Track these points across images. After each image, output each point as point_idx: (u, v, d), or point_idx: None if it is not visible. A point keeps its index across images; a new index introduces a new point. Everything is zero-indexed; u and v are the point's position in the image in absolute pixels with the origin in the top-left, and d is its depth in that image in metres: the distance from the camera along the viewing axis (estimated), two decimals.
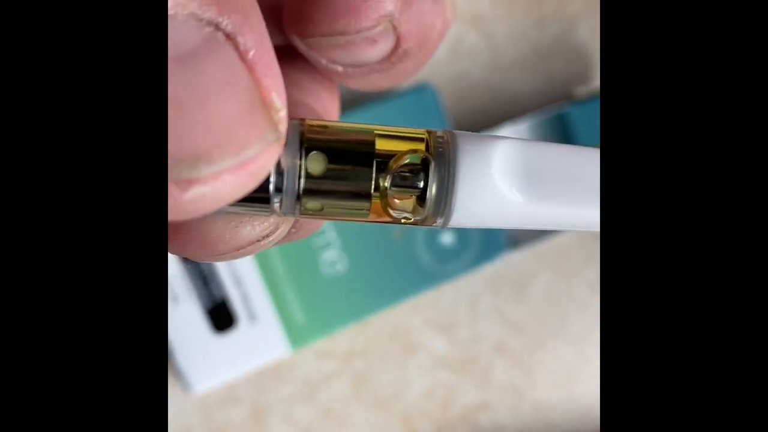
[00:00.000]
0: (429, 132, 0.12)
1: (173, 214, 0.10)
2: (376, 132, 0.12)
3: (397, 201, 0.12)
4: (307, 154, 0.11)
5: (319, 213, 0.12)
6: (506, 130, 0.29)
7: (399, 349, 0.31)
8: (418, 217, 0.12)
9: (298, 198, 0.11)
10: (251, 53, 0.09)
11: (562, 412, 0.33)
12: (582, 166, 0.11)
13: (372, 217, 0.12)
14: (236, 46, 0.09)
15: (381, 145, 0.11)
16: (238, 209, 0.11)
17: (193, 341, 0.26)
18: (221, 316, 0.26)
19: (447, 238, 0.28)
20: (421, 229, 0.28)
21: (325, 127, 0.12)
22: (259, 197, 0.11)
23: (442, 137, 0.12)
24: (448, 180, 0.11)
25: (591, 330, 0.33)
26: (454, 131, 0.12)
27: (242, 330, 0.26)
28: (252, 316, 0.27)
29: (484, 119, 0.31)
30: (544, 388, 0.32)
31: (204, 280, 0.26)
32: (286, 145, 0.11)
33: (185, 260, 0.26)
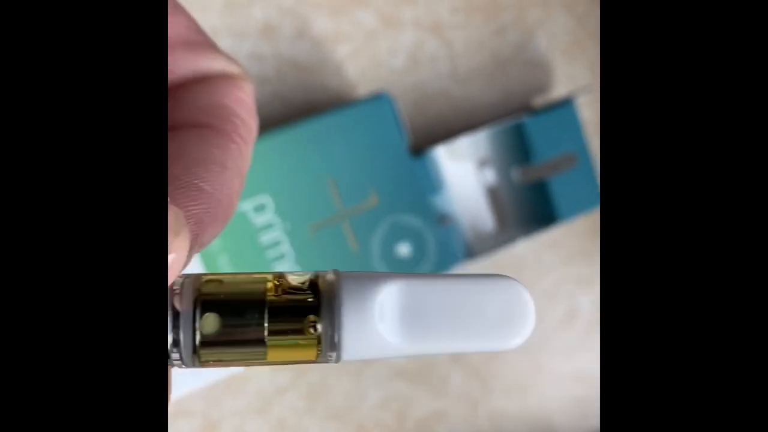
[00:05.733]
0: (317, 276, 0.13)
1: None
2: (268, 281, 0.13)
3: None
4: (201, 314, 0.12)
5: (219, 362, 0.12)
6: (464, 140, 0.29)
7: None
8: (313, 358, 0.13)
9: (195, 352, 0.12)
10: None
11: (516, 420, 0.33)
12: (464, 302, 0.12)
13: (271, 357, 0.13)
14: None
15: (271, 293, 0.12)
16: None
17: None
18: None
19: (403, 250, 0.28)
20: (377, 241, 0.28)
21: (220, 282, 0.12)
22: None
23: (331, 281, 0.13)
24: (334, 324, 0.12)
25: (545, 340, 0.33)
26: (342, 273, 0.13)
27: None
28: None
29: (443, 129, 0.31)
30: (498, 398, 0.33)
31: None
32: (182, 301, 0.12)
33: None
